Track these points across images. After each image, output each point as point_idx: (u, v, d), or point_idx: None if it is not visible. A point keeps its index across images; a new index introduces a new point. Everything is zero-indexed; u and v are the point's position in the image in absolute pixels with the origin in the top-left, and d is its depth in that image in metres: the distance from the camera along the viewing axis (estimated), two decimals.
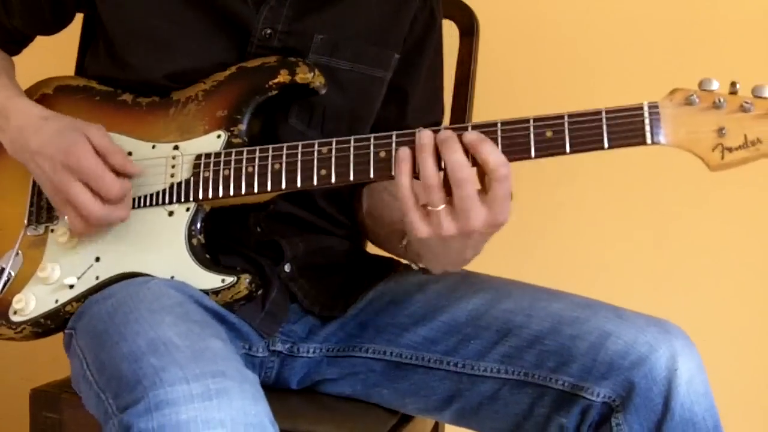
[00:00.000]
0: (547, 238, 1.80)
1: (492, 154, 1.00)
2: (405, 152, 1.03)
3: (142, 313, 1.03)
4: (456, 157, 1.00)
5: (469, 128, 1.03)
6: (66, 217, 1.17)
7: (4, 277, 1.21)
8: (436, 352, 1.22)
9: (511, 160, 1.03)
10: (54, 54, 1.42)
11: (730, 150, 0.97)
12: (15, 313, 1.20)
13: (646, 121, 0.99)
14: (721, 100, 0.97)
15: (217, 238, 1.18)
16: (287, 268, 1.27)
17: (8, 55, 1.36)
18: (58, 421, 1.25)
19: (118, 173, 1.14)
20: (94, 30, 1.32)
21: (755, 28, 1.68)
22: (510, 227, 1.78)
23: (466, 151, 1.01)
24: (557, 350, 1.14)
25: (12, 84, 1.28)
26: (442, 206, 1.00)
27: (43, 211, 1.23)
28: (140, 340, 0.97)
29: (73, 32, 1.38)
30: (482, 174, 1.02)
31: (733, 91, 0.99)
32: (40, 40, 1.38)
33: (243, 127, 1.18)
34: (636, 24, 1.72)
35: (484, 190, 1.01)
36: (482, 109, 1.56)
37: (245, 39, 1.23)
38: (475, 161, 1.01)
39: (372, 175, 1.08)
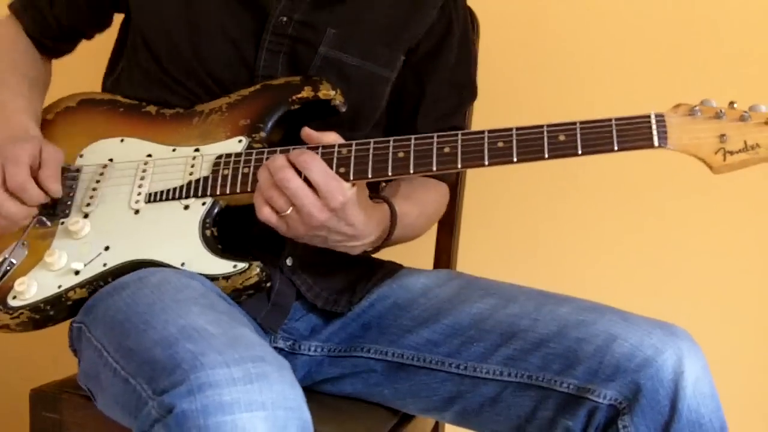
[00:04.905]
0: (551, 243, 1.80)
1: (303, 161, 1.09)
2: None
3: (167, 303, 1.03)
4: (280, 176, 1.09)
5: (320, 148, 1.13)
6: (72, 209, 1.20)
7: (5, 266, 1.18)
8: (438, 354, 1.23)
9: (525, 160, 1.08)
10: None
11: (731, 153, 1.04)
12: (14, 297, 1.16)
13: (653, 127, 1.05)
14: (722, 111, 1.05)
15: (223, 232, 1.19)
16: (289, 261, 1.27)
17: (44, 68, 1.41)
18: (58, 421, 1.23)
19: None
20: (125, 39, 1.37)
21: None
22: (515, 232, 1.80)
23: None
24: (563, 353, 1.14)
25: (29, 98, 1.32)
26: (290, 210, 1.10)
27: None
28: (171, 328, 0.97)
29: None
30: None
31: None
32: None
33: (264, 134, 1.21)
34: (636, 24, 1.73)
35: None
36: (482, 109, 1.56)
37: (262, 24, 1.26)
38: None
39: (390, 173, 1.11)
